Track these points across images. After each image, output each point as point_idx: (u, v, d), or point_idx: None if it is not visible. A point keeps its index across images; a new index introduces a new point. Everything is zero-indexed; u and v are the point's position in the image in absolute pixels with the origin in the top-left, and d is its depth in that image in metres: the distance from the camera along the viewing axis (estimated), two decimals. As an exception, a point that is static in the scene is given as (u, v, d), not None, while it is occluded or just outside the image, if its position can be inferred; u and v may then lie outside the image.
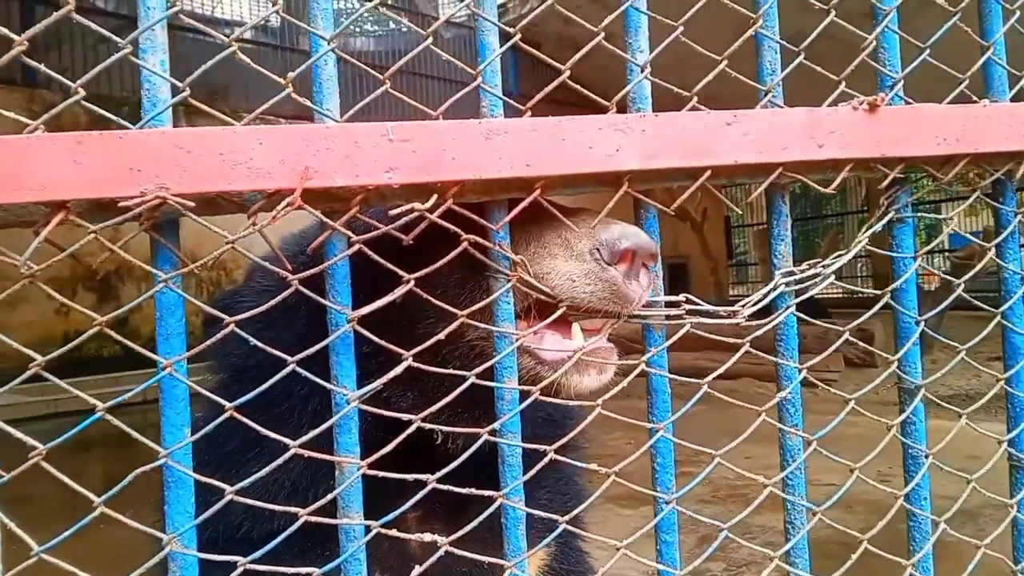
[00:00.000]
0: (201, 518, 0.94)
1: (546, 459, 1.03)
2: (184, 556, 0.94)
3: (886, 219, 1.21)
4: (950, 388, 7.99)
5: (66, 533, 0.88)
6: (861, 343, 1.44)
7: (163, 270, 0.92)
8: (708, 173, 1.07)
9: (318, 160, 0.91)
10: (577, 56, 1.04)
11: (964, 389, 7.92)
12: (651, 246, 1.08)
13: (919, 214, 1.24)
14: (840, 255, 1.20)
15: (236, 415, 0.93)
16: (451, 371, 1.00)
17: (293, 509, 0.95)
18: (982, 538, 1.31)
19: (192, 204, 0.88)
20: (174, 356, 0.93)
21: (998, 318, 1.27)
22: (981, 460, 1.36)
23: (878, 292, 1.24)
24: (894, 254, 1.22)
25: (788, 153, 1.09)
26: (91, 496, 0.87)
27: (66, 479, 0.86)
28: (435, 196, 0.94)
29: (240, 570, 0.92)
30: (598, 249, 1.06)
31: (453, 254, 0.98)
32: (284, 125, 0.92)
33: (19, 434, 0.84)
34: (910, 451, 1.23)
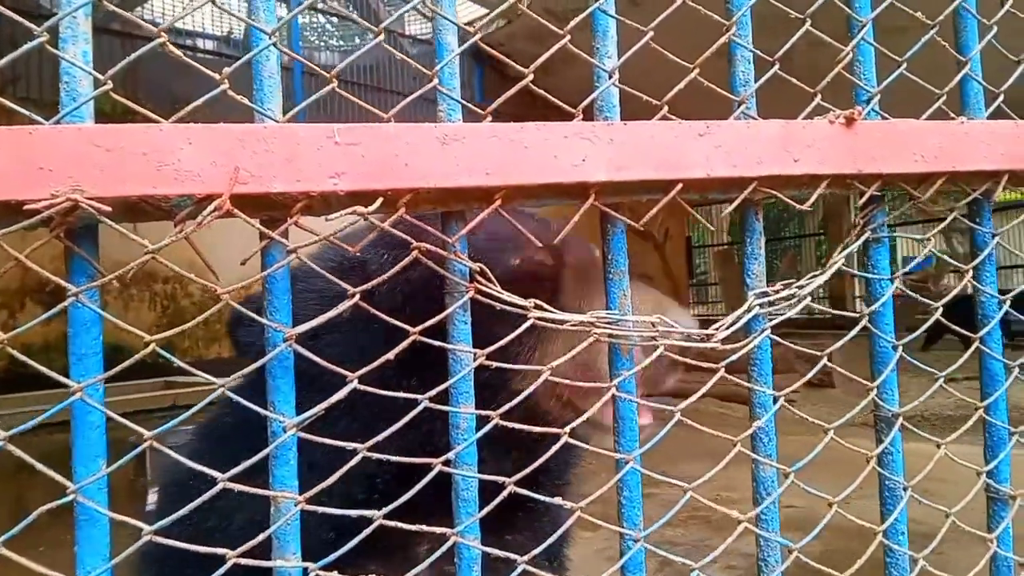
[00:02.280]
0: (118, 559, 0.84)
1: (504, 492, 0.94)
2: (95, 606, 0.84)
3: (862, 239, 1.15)
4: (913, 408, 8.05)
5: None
6: (838, 364, 1.39)
7: (77, 283, 0.82)
8: (680, 187, 1.00)
9: (255, 163, 0.83)
10: (542, 59, 0.98)
11: (922, 410, 7.99)
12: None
13: (896, 234, 1.19)
14: (815, 276, 1.14)
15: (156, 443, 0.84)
16: (402, 394, 0.91)
17: (220, 550, 0.85)
18: (943, 565, 1.25)
19: (109, 209, 0.78)
20: (88, 379, 0.83)
21: (976, 343, 1.23)
22: (947, 483, 1.30)
23: (846, 313, 1.18)
24: (870, 275, 1.17)
25: (763, 167, 1.03)
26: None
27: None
28: (379, 202, 0.86)
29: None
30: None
31: (403, 263, 0.90)
32: (218, 124, 0.83)
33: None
34: (887, 483, 1.17)
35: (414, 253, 0.90)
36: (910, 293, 1.36)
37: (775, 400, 1.09)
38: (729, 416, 7.14)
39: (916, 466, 1.23)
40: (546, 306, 0.99)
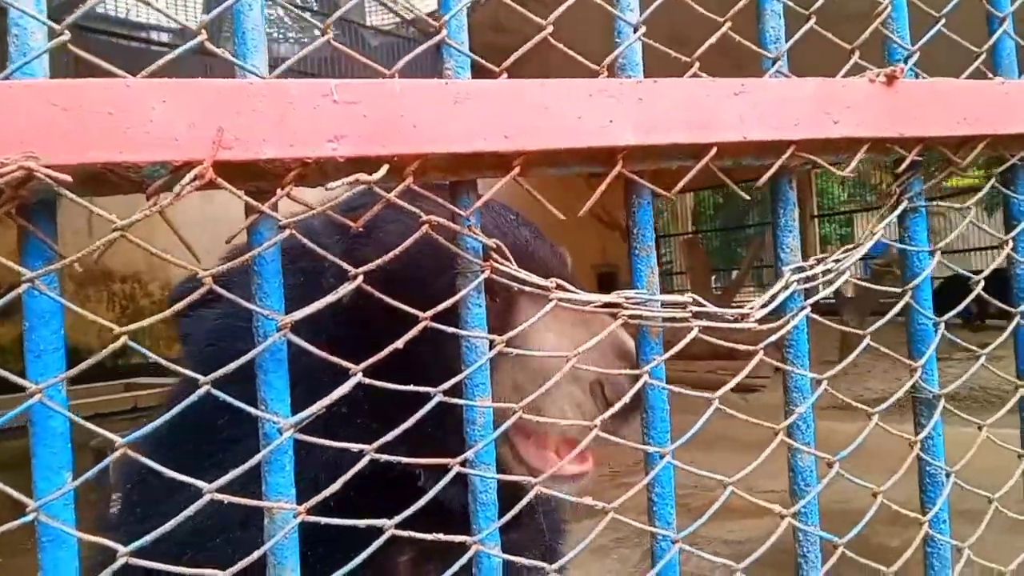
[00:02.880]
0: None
1: (532, 492, 0.84)
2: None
3: (899, 209, 1.07)
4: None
5: None
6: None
7: (33, 267, 0.70)
8: (713, 151, 0.90)
9: (241, 124, 0.71)
10: (561, 9, 0.87)
11: (953, 392, 7.86)
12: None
13: (936, 203, 1.10)
14: (851, 249, 1.05)
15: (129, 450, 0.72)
16: (411, 388, 0.80)
17: (209, 572, 0.73)
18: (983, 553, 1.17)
19: (68, 179, 0.66)
20: (48, 379, 0.71)
21: (1017, 318, 1.15)
22: (968, 467, 1.23)
23: (888, 289, 1.09)
24: (908, 247, 1.08)
25: (801, 129, 0.94)
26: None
27: None
28: (385, 169, 0.74)
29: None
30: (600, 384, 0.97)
31: (412, 239, 0.78)
32: (197, 80, 0.71)
33: None
34: (928, 468, 1.09)
35: (424, 228, 0.79)
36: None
37: (816, 384, 0.99)
38: (748, 405, 7.04)
39: (948, 452, 1.15)
40: (568, 286, 0.88)
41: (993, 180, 1.14)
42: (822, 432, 1.09)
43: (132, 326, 0.72)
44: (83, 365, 0.72)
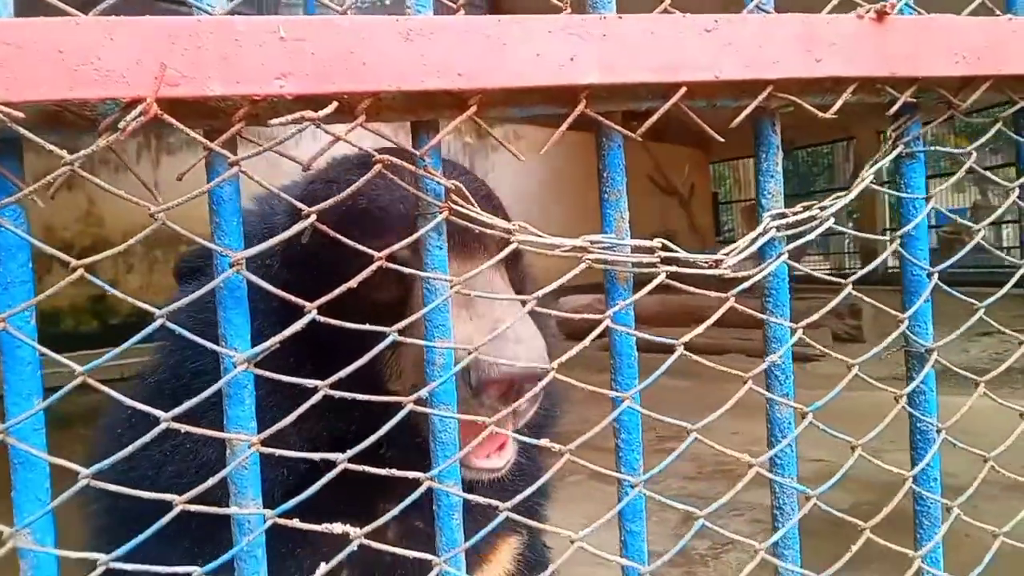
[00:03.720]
0: (55, 503, 0.76)
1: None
2: (36, 554, 0.76)
3: (894, 154, 1.02)
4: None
5: None
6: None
7: (-5, 202, 0.73)
8: (683, 91, 0.88)
9: (187, 61, 0.72)
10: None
11: (954, 362, 7.71)
12: (534, 372, 0.92)
13: (935, 148, 1.05)
14: (839, 197, 1.02)
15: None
16: (367, 327, 0.82)
17: (168, 496, 0.77)
18: (977, 519, 1.14)
19: (21, 115, 0.68)
20: (14, 308, 0.74)
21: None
22: (982, 436, 1.18)
23: (874, 236, 1.06)
24: (903, 194, 1.04)
25: (780, 68, 0.90)
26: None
27: None
28: (333, 107, 0.75)
29: (101, 570, 0.75)
30: (468, 371, 0.92)
31: (366, 177, 0.79)
32: (144, 17, 0.72)
33: None
34: (919, 424, 1.06)
35: (376, 167, 0.80)
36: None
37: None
38: (809, 374, 6.91)
39: (949, 419, 1.11)
40: (532, 228, 0.88)
41: (999, 124, 1.08)
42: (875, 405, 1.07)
43: (89, 259, 0.75)
44: (47, 293, 0.75)
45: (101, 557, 0.75)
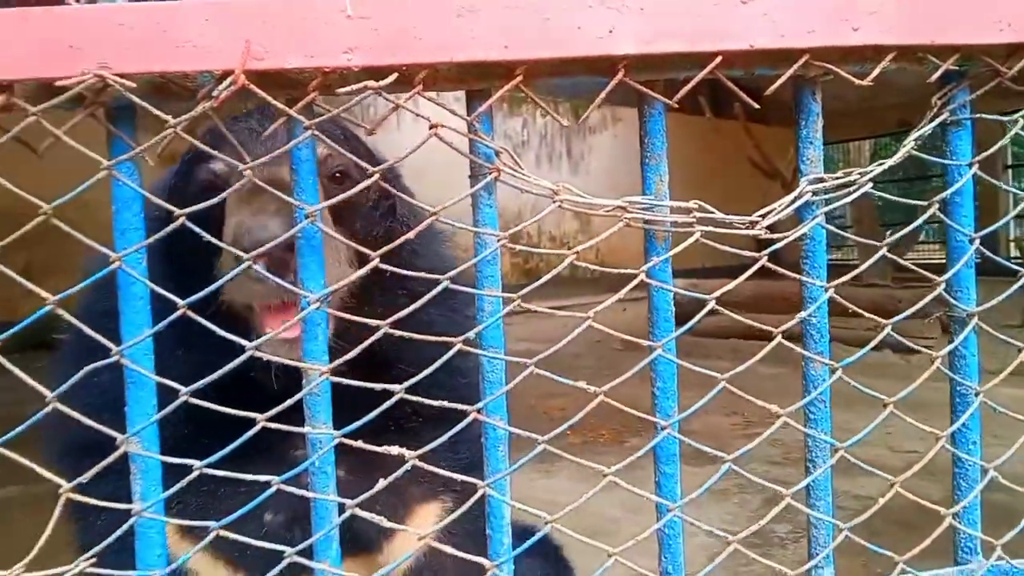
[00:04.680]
0: (160, 415, 0.90)
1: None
2: (144, 459, 0.91)
3: (938, 120, 1.05)
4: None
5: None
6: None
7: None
8: (719, 60, 0.94)
9: (269, 38, 0.84)
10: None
11: None
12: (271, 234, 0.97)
13: (980, 116, 1.07)
14: (881, 163, 1.05)
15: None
16: (423, 275, 0.92)
17: (252, 414, 0.90)
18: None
19: (133, 85, 0.82)
20: (129, 248, 0.88)
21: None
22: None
23: (913, 202, 1.08)
24: (947, 161, 1.06)
25: (815, 37, 0.95)
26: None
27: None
28: (394, 77, 0.85)
29: (195, 474, 0.88)
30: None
31: (422, 142, 0.89)
32: (235, 0, 0.85)
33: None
34: (958, 388, 1.08)
35: (432, 132, 0.90)
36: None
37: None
38: (913, 366, 6.68)
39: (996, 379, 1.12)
40: (573, 189, 0.96)
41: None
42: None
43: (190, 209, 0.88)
44: (151, 239, 0.89)
45: (196, 463, 0.89)
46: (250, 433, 0.88)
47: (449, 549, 0.95)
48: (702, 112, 13.50)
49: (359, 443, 0.90)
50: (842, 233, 1.27)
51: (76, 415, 0.83)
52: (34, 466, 0.88)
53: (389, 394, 0.88)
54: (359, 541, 1.21)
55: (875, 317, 1.05)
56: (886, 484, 1.06)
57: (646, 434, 1.02)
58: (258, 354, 0.89)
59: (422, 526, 1.23)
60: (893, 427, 1.03)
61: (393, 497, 1.23)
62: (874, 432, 1.08)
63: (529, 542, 0.97)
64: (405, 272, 0.92)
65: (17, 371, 0.88)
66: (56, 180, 0.89)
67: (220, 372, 0.87)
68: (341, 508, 0.92)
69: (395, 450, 0.91)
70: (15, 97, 0.83)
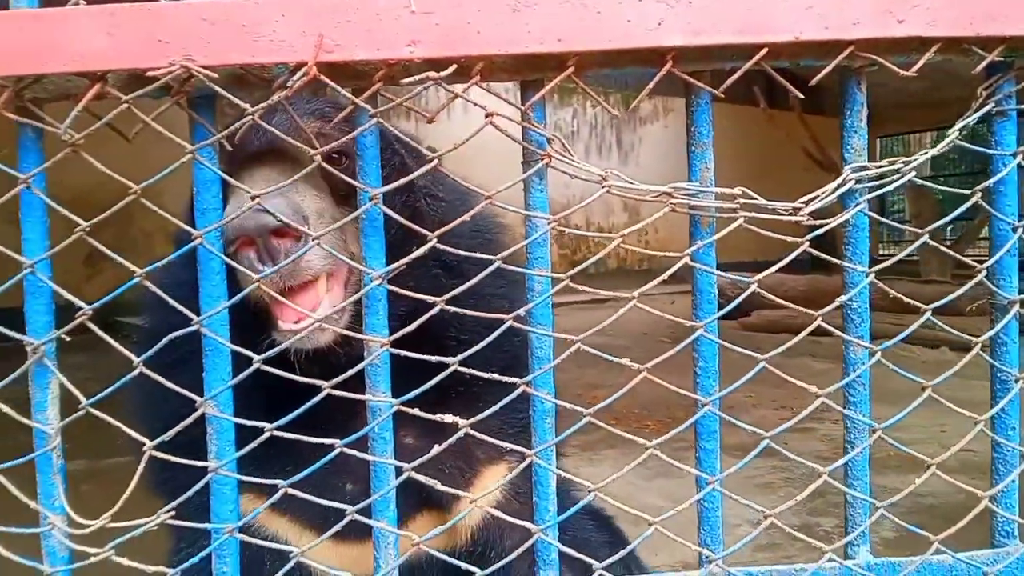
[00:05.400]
0: (235, 380, 0.98)
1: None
2: (219, 420, 0.99)
3: (982, 111, 1.06)
4: None
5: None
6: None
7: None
8: (765, 51, 0.97)
9: (339, 32, 0.91)
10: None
11: None
12: (249, 229, 1.02)
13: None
14: (924, 152, 1.07)
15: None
16: (479, 255, 0.98)
17: (317, 381, 0.97)
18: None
19: (216, 76, 0.89)
20: (206, 227, 0.96)
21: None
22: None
23: (953, 190, 1.09)
24: (991, 151, 1.08)
25: (860, 29, 0.98)
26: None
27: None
28: (453, 68, 0.91)
29: (267, 435, 0.96)
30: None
31: (478, 130, 0.95)
32: (309, -2, 0.91)
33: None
34: (998, 374, 1.10)
35: (488, 120, 0.95)
36: None
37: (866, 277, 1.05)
38: (925, 361, 6.58)
39: None
40: (620, 175, 1.01)
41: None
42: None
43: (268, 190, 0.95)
44: (230, 217, 0.97)
45: (266, 426, 0.96)
46: (316, 400, 0.95)
47: (500, 514, 1.01)
48: (757, 103, 13.29)
49: (415, 411, 0.96)
50: (899, 226, 1.29)
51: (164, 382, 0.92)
52: (121, 426, 0.97)
53: (445, 364, 0.95)
54: (431, 501, 1.31)
55: (915, 303, 1.07)
56: (935, 483, 1.08)
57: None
58: (281, 343, 1.00)
59: (488, 487, 1.30)
60: (948, 426, 1.06)
61: (460, 460, 1.31)
62: (928, 430, 1.11)
63: (576, 507, 1.02)
64: (462, 252, 0.98)
65: (106, 337, 0.97)
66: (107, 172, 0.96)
67: (238, 378, 0.96)
68: (399, 471, 0.99)
69: (448, 418, 0.97)
70: (108, 86, 0.91)
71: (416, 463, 0.98)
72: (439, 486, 0.98)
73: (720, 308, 1.05)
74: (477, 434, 0.98)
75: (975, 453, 1.08)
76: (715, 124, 1.04)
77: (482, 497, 1.05)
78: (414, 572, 1.27)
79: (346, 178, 0.98)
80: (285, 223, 0.99)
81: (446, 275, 1.26)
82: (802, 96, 1.03)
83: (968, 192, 1.07)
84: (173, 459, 0.95)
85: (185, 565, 0.97)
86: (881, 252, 18.71)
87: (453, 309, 0.97)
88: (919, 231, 1.07)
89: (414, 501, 1.29)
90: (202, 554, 0.99)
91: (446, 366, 0.95)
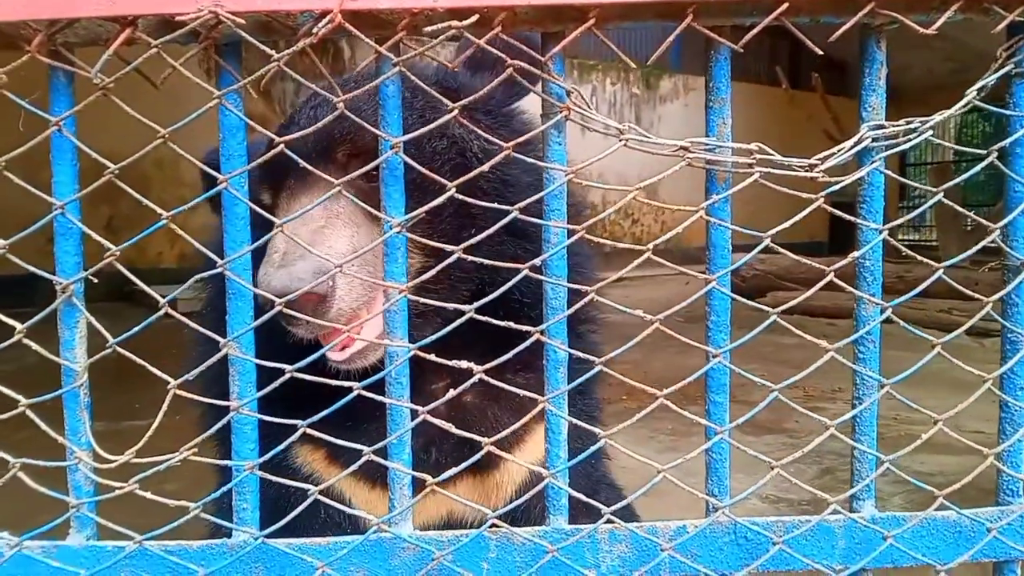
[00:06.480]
0: (257, 322, 1.01)
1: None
2: (242, 361, 1.02)
3: (1002, 72, 1.06)
4: None
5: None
6: None
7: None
8: (785, 6, 0.98)
9: (364, -20, 0.92)
10: None
11: None
12: (272, 291, 1.06)
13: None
14: (943, 112, 1.07)
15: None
16: (494, 204, 1.00)
17: (339, 325, 1.00)
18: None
19: (243, 22, 0.91)
20: (231, 171, 0.99)
21: None
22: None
23: (969, 150, 1.10)
24: (1011, 112, 1.08)
25: (880, -15, 0.98)
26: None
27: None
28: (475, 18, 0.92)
29: (286, 377, 0.99)
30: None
31: (498, 80, 0.97)
32: (334, -54, 0.93)
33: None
34: (1010, 335, 1.11)
35: (508, 70, 0.97)
36: None
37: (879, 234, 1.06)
38: (988, 350, 6.56)
39: None
40: (639, 129, 1.02)
41: None
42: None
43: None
44: (255, 163, 0.99)
45: (287, 368, 0.99)
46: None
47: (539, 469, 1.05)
48: (779, 83, 13.17)
49: (453, 361, 0.99)
50: (916, 185, 1.30)
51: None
52: (154, 369, 1.00)
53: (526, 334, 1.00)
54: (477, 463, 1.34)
55: (928, 261, 1.08)
56: (946, 462, 1.09)
57: (704, 403, 1.09)
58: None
59: (538, 444, 1.34)
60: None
61: (513, 419, 1.34)
62: (939, 412, 1.11)
63: (584, 455, 1.04)
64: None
65: (133, 278, 1.00)
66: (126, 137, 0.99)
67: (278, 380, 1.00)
68: (414, 414, 1.02)
69: (464, 364, 0.99)
70: (138, 31, 0.93)
71: (430, 407, 1.01)
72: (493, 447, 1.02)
73: (735, 290, 1.07)
74: (533, 395, 1.03)
75: (985, 435, 1.09)
76: (735, 104, 1.06)
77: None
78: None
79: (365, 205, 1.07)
80: (305, 292, 1.08)
81: (519, 246, 1.34)
82: (820, 52, 1.03)
83: (984, 152, 1.08)
84: (200, 399, 0.99)
85: (207, 499, 1.00)
86: (900, 236, 18.49)
87: (532, 277, 1.00)
88: (934, 189, 1.07)
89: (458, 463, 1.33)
90: (223, 489, 1.03)
91: (527, 335, 0.99)
